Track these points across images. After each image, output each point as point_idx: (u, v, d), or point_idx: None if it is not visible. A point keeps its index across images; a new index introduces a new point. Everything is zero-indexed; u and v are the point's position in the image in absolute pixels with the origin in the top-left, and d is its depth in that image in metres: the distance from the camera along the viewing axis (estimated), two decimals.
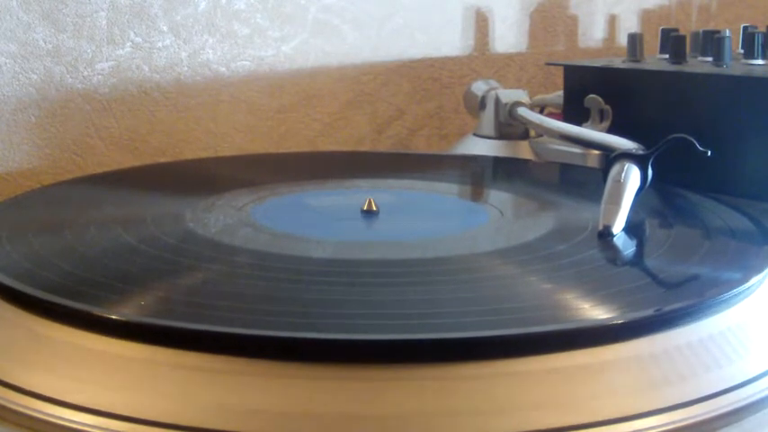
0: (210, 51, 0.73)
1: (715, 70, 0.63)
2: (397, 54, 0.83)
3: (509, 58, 0.91)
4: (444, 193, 0.59)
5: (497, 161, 0.69)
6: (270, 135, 0.77)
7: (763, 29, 0.69)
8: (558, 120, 0.68)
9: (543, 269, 0.42)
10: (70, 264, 0.42)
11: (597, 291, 0.39)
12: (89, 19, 0.67)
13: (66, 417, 0.32)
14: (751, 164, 0.59)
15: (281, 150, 0.78)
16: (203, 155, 0.74)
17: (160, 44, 0.71)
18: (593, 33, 0.97)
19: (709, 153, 0.48)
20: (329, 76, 0.79)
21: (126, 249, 0.44)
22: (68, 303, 0.36)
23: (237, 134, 0.76)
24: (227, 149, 0.75)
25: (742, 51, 0.69)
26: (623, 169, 0.49)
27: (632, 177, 0.49)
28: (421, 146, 0.86)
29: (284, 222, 0.50)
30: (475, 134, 0.75)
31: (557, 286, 0.40)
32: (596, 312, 0.37)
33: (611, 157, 0.51)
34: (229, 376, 0.32)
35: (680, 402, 0.33)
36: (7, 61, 0.65)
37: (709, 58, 0.67)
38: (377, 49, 0.82)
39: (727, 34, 0.67)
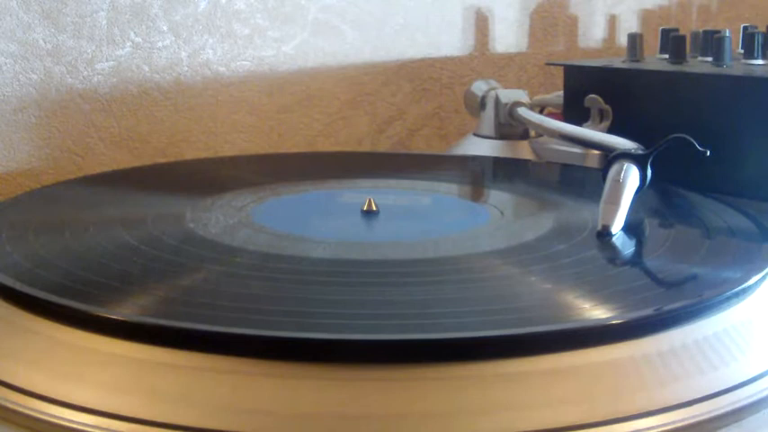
0: (210, 51, 0.73)
1: (715, 70, 0.63)
2: (397, 54, 0.83)
3: (509, 58, 0.91)
4: (444, 193, 0.59)
5: (497, 161, 0.69)
6: (270, 135, 0.77)
7: (763, 29, 0.69)
8: (558, 120, 0.68)
9: (543, 269, 0.42)
10: (70, 264, 0.42)
11: (597, 291, 0.39)
12: (89, 19, 0.67)
13: (66, 417, 0.32)
14: (751, 164, 0.59)
15: (281, 150, 0.78)
16: (203, 155, 0.74)
17: (160, 44, 0.71)
18: (593, 33, 0.97)
19: (709, 153, 0.48)
20: (329, 76, 0.79)
21: (126, 249, 0.44)
22: (68, 303, 0.36)
23: (237, 134, 0.76)
24: (227, 149, 0.75)
25: (742, 51, 0.69)
26: (622, 169, 0.49)
27: (631, 177, 0.49)
28: (421, 146, 0.86)
29: (284, 222, 0.50)
30: (475, 134, 0.75)
31: (557, 286, 0.40)
32: (596, 312, 0.37)
33: (610, 156, 0.51)
34: (229, 376, 0.32)
35: (680, 402, 0.33)
36: (7, 61, 0.65)
37: (709, 58, 0.67)
38: (377, 49, 0.82)
39: (727, 34, 0.67)
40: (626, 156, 0.50)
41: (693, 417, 0.33)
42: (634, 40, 0.71)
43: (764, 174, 0.59)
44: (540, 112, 0.75)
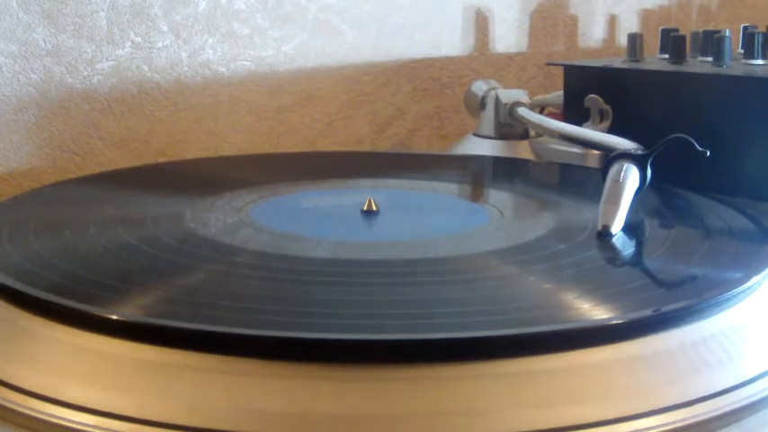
0: (210, 51, 0.73)
1: (715, 70, 0.63)
2: (397, 54, 0.83)
3: (509, 58, 0.91)
4: (444, 193, 0.59)
5: (497, 161, 0.69)
6: (270, 135, 0.77)
7: (763, 29, 0.69)
8: (558, 120, 0.68)
9: (543, 269, 0.42)
10: (70, 264, 0.42)
11: (597, 291, 0.39)
12: (89, 19, 0.67)
13: (66, 417, 0.32)
14: (751, 164, 0.59)
15: (281, 150, 0.78)
16: (203, 155, 0.74)
17: (160, 44, 0.71)
18: (593, 33, 0.97)
19: (708, 153, 0.48)
20: (329, 76, 0.80)
21: (126, 249, 0.44)
22: (68, 303, 0.36)
23: (237, 134, 0.76)
24: (227, 149, 0.75)
25: (742, 51, 0.69)
26: (622, 169, 0.49)
27: (631, 177, 0.49)
28: (421, 146, 0.86)
29: (284, 222, 0.50)
30: (475, 134, 0.75)
31: (557, 286, 0.40)
32: (596, 312, 0.37)
33: (610, 157, 0.51)
34: (229, 376, 0.32)
35: (680, 402, 0.33)
36: (7, 61, 0.65)
37: (710, 58, 0.67)
38: (377, 49, 0.82)
39: (727, 34, 0.67)
40: (626, 156, 0.50)
41: (693, 417, 0.33)
42: (634, 40, 0.71)
43: (764, 174, 0.59)
44: (540, 112, 0.75)
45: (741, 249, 0.46)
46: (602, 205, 0.47)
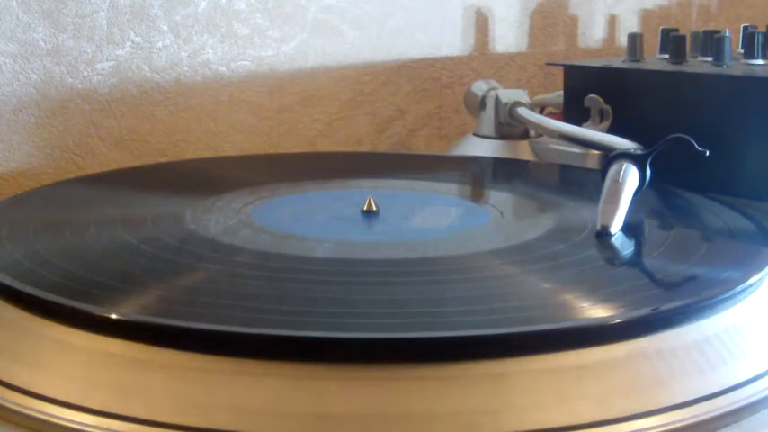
0: (210, 51, 0.73)
1: (715, 70, 0.63)
2: (397, 54, 0.83)
3: (509, 58, 0.91)
4: (444, 193, 0.59)
5: (497, 162, 0.69)
6: (270, 135, 0.77)
7: (763, 29, 0.69)
8: (558, 120, 0.68)
9: (543, 269, 0.42)
10: (70, 264, 0.42)
11: (596, 291, 0.39)
12: (89, 19, 0.67)
13: (66, 417, 0.32)
14: (751, 164, 0.59)
15: (281, 150, 0.78)
16: (203, 155, 0.74)
17: (160, 44, 0.71)
18: (593, 33, 0.97)
19: (708, 153, 0.48)
20: (329, 76, 0.80)
21: (126, 249, 0.44)
22: (68, 303, 0.36)
23: (237, 134, 0.76)
24: (227, 149, 0.75)
25: (742, 51, 0.69)
26: (621, 169, 0.49)
27: (630, 177, 0.49)
28: (421, 146, 0.86)
29: (284, 222, 0.50)
30: (475, 134, 0.75)
31: (556, 286, 0.40)
32: (595, 312, 0.37)
33: (609, 156, 0.51)
34: (229, 376, 0.32)
35: (680, 402, 0.33)
36: (7, 61, 0.65)
37: (709, 58, 0.67)
38: (377, 49, 0.82)
39: (727, 34, 0.67)
40: (625, 156, 0.50)
41: (693, 417, 0.33)
42: (634, 40, 0.71)
43: (764, 174, 0.59)
44: (540, 112, 0.75)
45: (741, 249, 0.46)
46: (601, 205, 0.47)
